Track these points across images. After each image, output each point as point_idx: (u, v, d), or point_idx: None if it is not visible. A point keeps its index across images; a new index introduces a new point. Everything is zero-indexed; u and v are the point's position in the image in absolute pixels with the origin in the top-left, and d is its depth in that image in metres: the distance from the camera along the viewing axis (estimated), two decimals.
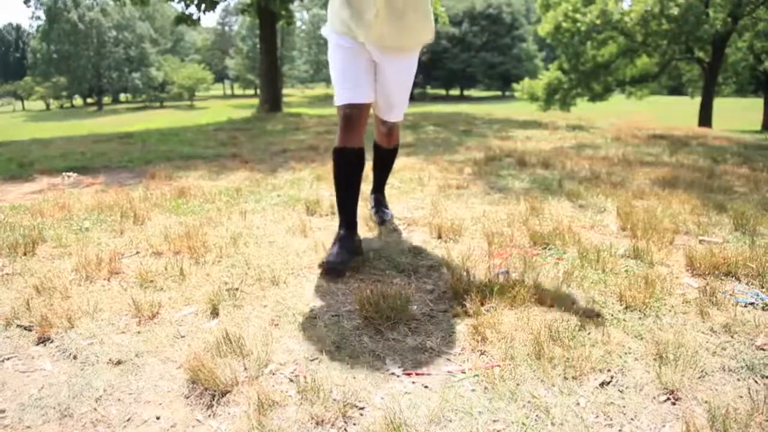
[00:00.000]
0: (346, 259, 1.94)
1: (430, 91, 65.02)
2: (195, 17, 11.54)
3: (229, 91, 78.08)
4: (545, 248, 2.24)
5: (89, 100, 67.47)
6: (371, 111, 2.22)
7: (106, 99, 66.24)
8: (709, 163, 4.85)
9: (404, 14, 1.96)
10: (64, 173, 4.42)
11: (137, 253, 2.25)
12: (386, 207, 2.69)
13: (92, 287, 1.87)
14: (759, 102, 26.50)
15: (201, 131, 8.52)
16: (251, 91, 69.77)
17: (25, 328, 1.58)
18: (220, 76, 73.63)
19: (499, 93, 63.13)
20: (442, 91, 65.44)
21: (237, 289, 1.82)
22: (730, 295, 1.82)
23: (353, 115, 2.04)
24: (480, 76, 61.54)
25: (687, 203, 3.03)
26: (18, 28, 76.95)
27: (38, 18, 64.26)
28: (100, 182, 3.99)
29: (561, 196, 3.18)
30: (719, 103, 23.38)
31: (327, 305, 1.73)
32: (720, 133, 9.78)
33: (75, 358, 1.43)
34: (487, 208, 2.83)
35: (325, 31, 2.17)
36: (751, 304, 1.78)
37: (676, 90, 26.99)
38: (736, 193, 3.44)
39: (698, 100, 22.00)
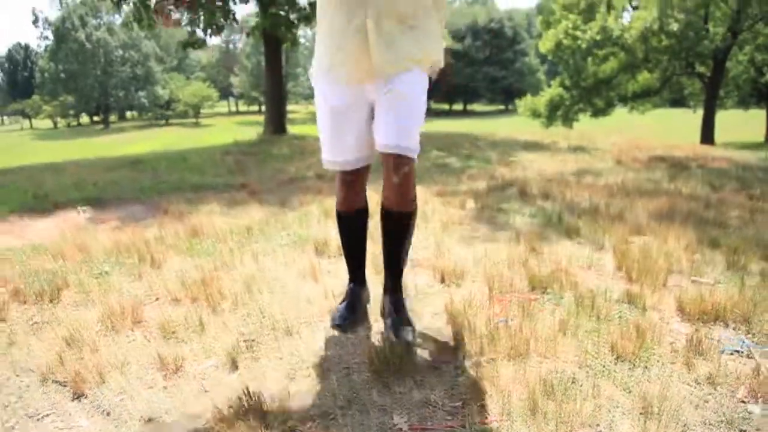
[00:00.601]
0: (353, 319, 2.02)
1: (433, 105, 65.32)
2: (201, 41, 11.78)
3: (234, 108, 78.67)
4: (543, 292, 2.36)
5: (96, 118, 68.07)
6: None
7: (112, 117, 66.83)
8: (707, 190, 4.97)
9: (399, 35, 1.72)
10: (79, 207, 4.58)
11: (157, 300, 2.38)
12: (408, 320, 1.97)
13: (118, 339, 2.00)
14: (762, 113, 26.58)
15: (208, 156, 8.69)
16: (256, 108, 70.28)
17: (60, 384, 1.71)
18: (225, 93, 74.22)
19: (502, 107, 63.40)
20: (446, 106, 65.81)
21: (254, 340, 1.95)
22: (717, 341, 1.93)
23: (349, 180, 1.95)
24: (483, 90, 61.88)
25: (682, 238, 3.15)
26: (26, 47, 77.89)
27: (46, 38, 65.11)
28: (115, 218, 4.13)
29: (561, 232, 3.31)
30: (722, 115, 23.47)
31: (338, 357, 1.85)
32: (721, 152, 9.89)
33: (108, 414, 1.55)
34: (489, 247, 2.95)
35: (311, 75, 1.93)
36: (737, 351, 1.89)
37: (679, 102, 27.11)
38: (730, 226, 3.55)
39: (701, 113, 22.10)
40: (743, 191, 5.00)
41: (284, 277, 2.59)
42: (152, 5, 11.25)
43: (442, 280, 2.49)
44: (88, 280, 2.61)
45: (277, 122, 11.66)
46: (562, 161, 6.94)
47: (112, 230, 3.68)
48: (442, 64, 1.86)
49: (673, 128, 30.58)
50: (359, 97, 1.80)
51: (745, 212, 3.97)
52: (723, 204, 4.29)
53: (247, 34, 12.00)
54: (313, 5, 8.50)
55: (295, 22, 9.44)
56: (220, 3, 9.85)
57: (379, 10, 1.67)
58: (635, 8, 21.98)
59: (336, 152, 1.87)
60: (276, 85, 11.78)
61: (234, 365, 1.79)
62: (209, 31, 10.94)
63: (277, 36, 9.96)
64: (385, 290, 2.04)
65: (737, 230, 3.43)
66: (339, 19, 1.72)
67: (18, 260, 3.03)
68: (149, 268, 2.77)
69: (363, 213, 2.06)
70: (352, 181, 1.93)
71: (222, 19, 10.56)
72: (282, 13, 9.05)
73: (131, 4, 11.13)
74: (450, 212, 3.83)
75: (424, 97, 1.82)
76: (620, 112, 27.04)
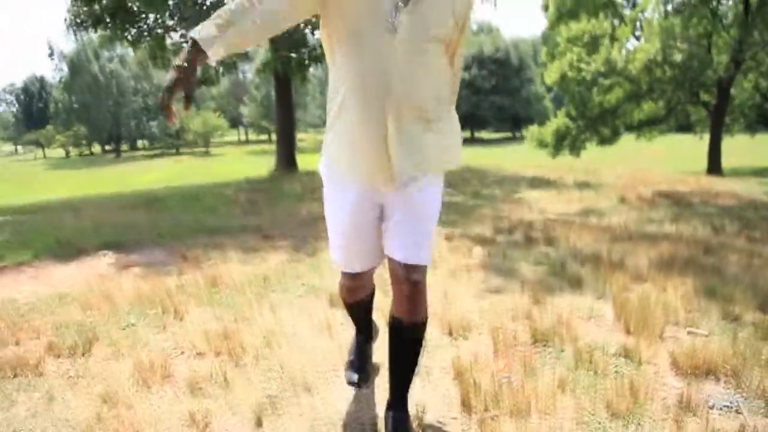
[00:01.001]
0: (365, 376, 2.10)
1: None
2: (214, 79, 12.12)
3: (243, 137, 79.63)
4: (545, 346, 2.51)
5: (107, 148, 69.12)
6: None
7: (123, 146, 67.81)
8: (708, 232, 5.10)
9: (421, 137, 1.63)
10: (101, 252, 4.77)
11: (182, 353, 2.55)
12: None
13: (150, 396, 2.16)
14: None
15: (221, 194, 8.92)
16: (265, 137, 71.12)
17: None
18: (235, 122, 75.24)
19: (509, 135, 63.79)
20: None
21: (275, 397, 2.10)
22: (707, 397, 2.06)
23: (354, 286, 1.94)
24: (490, 118, 62.37)
25: (681, 287, 3.29)
26: (42, 79, 79.64)
27: (61, 70, 66.51)
28: (136, 264, 4.31)
29: (564, 280, 3.46)
30: (728, 141, 23.53)
31: (354, 413, 2.00)
32: (726, 185, 9.99)
33: None
34: (494, 299, 3.11)
35: (320, 165, 1.83)
36: (726, 407, 2.02)
37: (687, 127, 27.23)
38: (728, 273, 3.68)
39: (707, 138, 22.14)
40: (744, 232, 5.13)
41: (301, 330, 2.75)
42: (167, 45, 11.64)
43: (450, 333, 2.64)
44: (117, 333, 2.78)
45: (288, 159, 11.92)
46: (567, 200, 7.09)
47: (134, 278, 3.85)
48: (460, 163, 1.81)
49: (681, 154, 30.70)
50: (373, 199, 1.71)
51: (744, 257, 4.11)
52: (723, 248, 4.42)
53: (259, 71, 12.33)
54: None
55: (306, 62, 9.73)
56: None
57: (398, 102, 1.57)
58: (638, 38, 22.33)
59: (347, 258, 1.83)
60: (286, 123, 12.07)
61: (259, 422, 1.94)
62: (221, 69, 11.28)
63: (287, 74, 10.26)
64: (389, 405, 1.87)
65: (734, 278, 3.56)
66: (355, 109, 1.60)
67: (48, 310, 3.20)
68: (173, 320, 2.94)
69: (369, 297, 2.08)
70: (359, 277, 1.89)
71: (234, 58, 10.89)
72: (293, 55, 9.35)
73: (146, 44, 11.52)
74: (458, 259, 3.99)
75: (440, 201, 1.77)
76: (628, 138, 27.16)
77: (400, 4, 1.52)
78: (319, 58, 9.68)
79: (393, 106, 1.57)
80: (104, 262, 4.49)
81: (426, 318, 1.77)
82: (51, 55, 65.16)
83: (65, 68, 65.99)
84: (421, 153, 1.64)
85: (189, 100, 1.52)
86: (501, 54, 62.56)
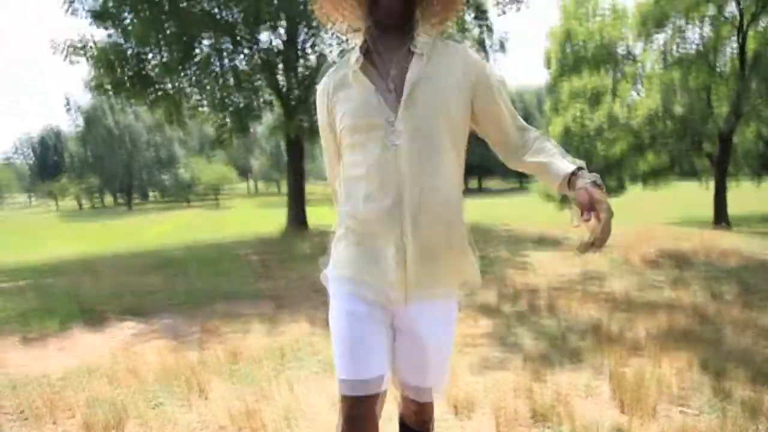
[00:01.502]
0: None
1: None
2: (229, 140, 12.58)
3: (253, 188, 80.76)
4: (544, 423, 2.69)
5: (120, 199, 70.23)
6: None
7: (135, 196, 68.81)
8: (707, 298, 5.26)
9: (438, 252, 1.53)
10: (123, 321, 5.01)
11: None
12: None
13: None
14: None
15: (235, 256, 9.19)
16: (275, 188, 72.16)
17: None
18: (245, 173, 76.49)
19: (516, 184, 64.38)
20: None
21: None
22: None
23: (359, 415, 1.51)
24: (497, 167, 63.00)
25: (675, 361, 3.47)
26: (58, 132, 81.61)
27: (77, 123, 68.26)
28: (158, 334, 4.54)
29: (564, 354, 3.65)
30: (734, 189, 23.70)
31: None
32: (730, 240, 10.08)
33: None
34: (497, 376, 3.31)
35: (325, 276, 1.68)
36: None
37: (693, 173, 27.42)
38: (723, 344, 3.85)
39: (713, 186, 22.20)
40: (742, 297, 5.29)
41: (319, 408, 2.95)
42: (183, 108, 12.14)
43: (456, 412, 2.83)
44: (146, 411, 2.98)
45: (298, 218, 12.23)
46: (572, 263, 7.29)
47: (158, 350, 4.07)
48: (479, 282, 1.68)
49: (688, 202, 30.84)
50: (384, 309, 1.56)
51: (739, 327, 4.27)
52: (719, 316, 4.60)
53: (271, 134, 12.78)
54: None
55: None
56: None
57: (412, 212, 1.47)
58: (639, 93, 22.87)
59: (357, 363, 1.51)
60: (297, 182, 12.44)
61: None
62: (236, 131, 11.73)
63: (300, 139, 10.69)
64: None
65: (727, 351, 3.73)
66: (366, 220, 1.52)
67: (79, 386, 3.42)
68: (198, 397, 3.15)
69: None
70: (365, 415, 1.51)
71: (249, 122, 11.36)
72: (305, 125, 9.79)
73: (163, 107, 12.02)
74: (464, 330, 4.19)
75: (455, 322, 1.66)
76: (634, 187, 27.34)
77: (393, 99, 1.50)
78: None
79: (405, 217, 1.48)
80: (127, 331, 4.72)
81: (432, 417, 1.77)
82: (68, 108, 67.08)
83: (81, 121, 67.72)
84: (441, 278, 1.55)
85: None
86: None
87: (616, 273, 6.59)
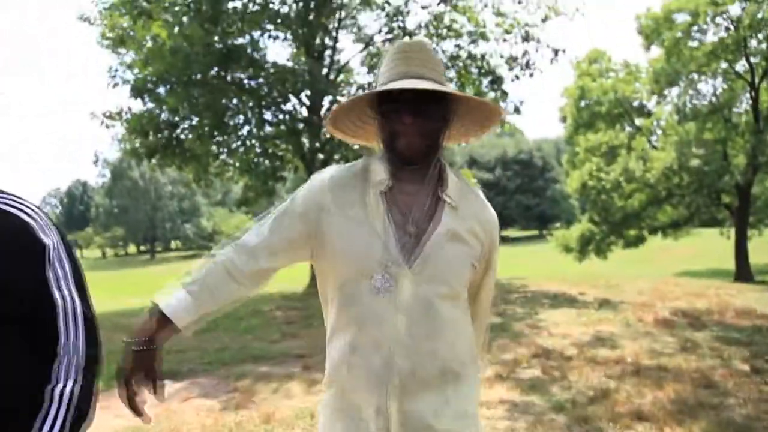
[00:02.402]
0: None
1: None
2: (254, 200, 13.14)
3: None
4: None
5: (142, 248, 71.51)
6: None
7: (158, 247, 69.98)
8: (715, 363, 5.46)
9: (428, 414, 1.33)
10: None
11: None
12: None
13: None
14: None
15: (260, 313, 9.58)
16: None
17: None
18: None
19: (536, 232, 64.30)
20: None
21: None
22: None
23: None
24: (517, 216, 63.08)
25: (678, 430, 3.72)
26: (84, 184, 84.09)
27: (104, 176, 70.37)
28: (195, 396, 4.89)
29: (573, 421, 3.92)
30: (758, 237, 23.58)
31: None
32: (747, 299, 10.12)
33: None
34: None
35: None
36: None
37: (716, 222, 27.23)
38: (723, 416, 4.07)
39: (734, 233, 22.03)
40: (750, 362, 5.49)
41: None
42: (210, 168, 12.75)
43: None
44: None
45: None
46: (586, 323, 7.54)
47: (196, 411, 4.42)
48: None
49: (710, 252, 30.50)
50: None
51: (742, 393, 4.50)
52: (724, 382, 4.82)
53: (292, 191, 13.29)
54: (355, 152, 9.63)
55: None
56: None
57: (401, 377, 1.30)
58: (655, 147, 23.18)
59: None
60: None
61: None
62: (262, 193, 12.28)
63: None
64: None
65: (728, 420, 3.96)
66: (350, 382, 1.35)
67: None
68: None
69: None
70: None
71: (274, 184, 11.92)
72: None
73: (191, 167, 12.64)
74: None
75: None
76: (655, 237, 27.16)
77: (409, 244, 1.32)
78: None
79: (394, 382, 1.30)
80: (165, 391, 5.06)
81: None
82: (96, 162, 69.31)
83: (107, 174, 69.74)
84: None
85: (157, 386, 1.43)
86: (525, 155, 64.45)
87: (628, 335, 6.81)
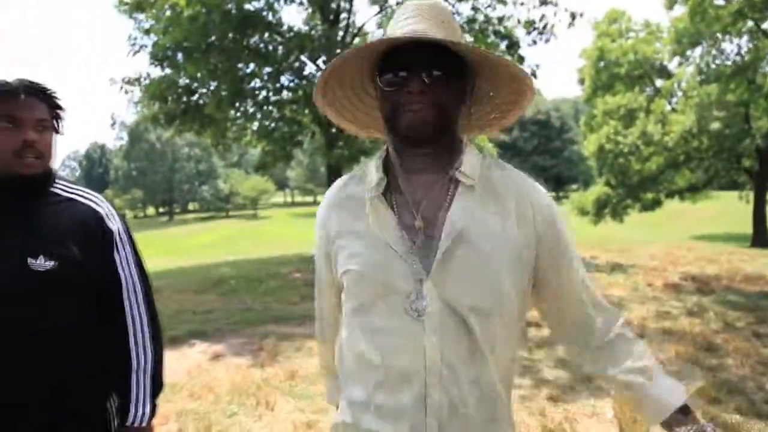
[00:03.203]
0: None
1: None
2: (272, 163, 13.36)
3: (289, 199, 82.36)
4: None
5: (161, 210, 72.54)
6: None
7: (176, 209, 70.90)
8: (719, 328, 5.67)
9: None
10: (190, 341, 5.72)
11: None
12: None
13: None
14: None
15: (279, 276, 9.92)
16: (311, 198, 73.46)
17: None
18: (282, 185, 78.10)
19: (553, 194, 63.70)
20: None
21: None
22: None
23: None
24: (533, 179, 62.70)
25: None
26: (102, 147, 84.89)
27: (121, 138, 70.90)
28: (224, 354, 5.23)
29: (576, 380, 4.19)
30: None
31: None
32: (759, 265, 10.23)
33: None
34: (514, 395, 3.87)
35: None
36: None
37: (735, 185, 26.89)
38: (720, 376, 4.31)
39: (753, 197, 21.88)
40: (752, 327, 5.70)
41: None
42: (228, 133, 12.96)
43: None
44: (226, 421, 3.65)
45: None
46: (595, 287, 7.74)
47: (225, 369, 4.75)
48: None
49: (729, 215, 30.26)
50: None
51: (741, 357, 4.72)
52: (726, 344, 5.04)
53: (311, 156, 13.49)
54: (374, 143, 9.83)
55: (359, 158, 10.82)
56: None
57: (442, 417, 1.06)
58: (674, 110, 22.92)
59: None
60: None
61: None
62: (280, 158, 12.50)
63: (339, 165, 11.39)
64: None
65: (724, 381, 4.19)
66: (383, 420, 1.10)
67: (165, 398, 4.10)
68: (266, 410, 3.80)
69: None
70: None
71: (291, 149, 12.12)
72: (345, 153, 10.48)
73: (210, 132, 12.83)
74: None
75: None
76: (673, 200, 26.94)
77: (422, 243, 1.09)
78: (368, 152, 10.75)
79: (431, 423, 1.06)
80: (196, 350, 5.42)
81: None
82: (113, 125, 69.63)
83: (125, 137, 70.22)
84: None
85: None
86: (542, 116, 63.67)
87: (636, 299, 7.04)
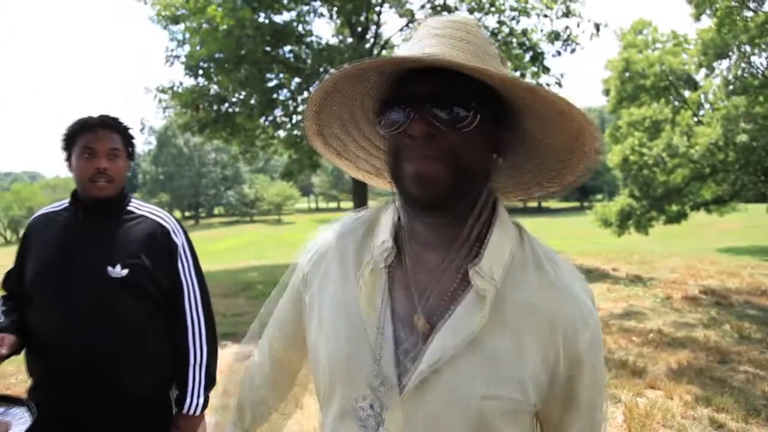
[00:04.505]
0: None
1: (506, 203, 66.42)
2: (297, 173, 13.71)
3: (313, 205, 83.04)
4: None
5: (187, 214, 73.69)
6: None
7: (201, 213, 71.97)
8: (734, 340, 5.80)
9: None
10: (222, 342, 6.02)
11: None
12: None
13: None
14: None
15: None
16: (334, 205, 74.03)
17: None
18: (306, 191, 78.81)
19: (577, 204, 63.56)
20: (519, 203, 66.55)
21: None
22: None
23: None
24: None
25: (685, 395, 4.14)
26: None
27: (150, 143, 72.28)
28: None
29: None
30: None
31: None
32: None
33: None
34: None
35: None
36: None
37: (765, 197, 26.52)
38: (730, 385, 4.45)
39: None
40: (767, 341, 5.81)
41: None
42: (257, 142, 13.33)
43: None
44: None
45: None
46: (615, 298, 7.91)
47: None
48: None
49: (755, 227, 29.87)
50: None
51: (752, 368, 4.86)
52: (739, 356, 5.18)
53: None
54: None
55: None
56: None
57: None
58: (700, 122, 22.75)
59: None
60: (359, 205, 13.37)
61: None
62: (307, 167, 12.83)
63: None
64: None
65: (733, 389, 4.34)
66: None
67: None
68: (296, 408, 4.05)
69: None
70: None
71: (318, 159, 12.44)
72: None
73: (238, 140, 13.21)
74: None
75: None
76: (699, 212, 26.53)
77: (414, 343, 0.84)
78: None
79: None
80: (228, 351, 5.72)
81: None
82: (142, 130, 70.92)
83: (154, 141, 71.59)
84: None
85: None
86: None
87: (656, 311, 7.17)
